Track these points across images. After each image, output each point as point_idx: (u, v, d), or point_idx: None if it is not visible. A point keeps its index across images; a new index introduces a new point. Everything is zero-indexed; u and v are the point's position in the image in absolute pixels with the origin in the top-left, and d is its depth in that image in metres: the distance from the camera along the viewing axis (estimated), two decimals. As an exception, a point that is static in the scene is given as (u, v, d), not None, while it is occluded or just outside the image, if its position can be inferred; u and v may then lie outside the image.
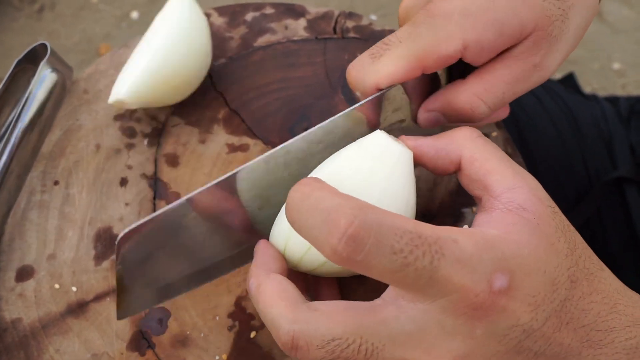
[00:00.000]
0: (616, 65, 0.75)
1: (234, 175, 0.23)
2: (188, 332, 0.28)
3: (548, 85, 0.54)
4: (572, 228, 0.22)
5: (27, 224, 0.31)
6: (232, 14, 0.37)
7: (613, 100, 0.57)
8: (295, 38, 0.36)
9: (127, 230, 0.22)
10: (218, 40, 0.36)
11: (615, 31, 0.77)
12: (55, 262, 0.29)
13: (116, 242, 0.22)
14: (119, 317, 0.25)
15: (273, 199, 0.25)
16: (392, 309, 0.20)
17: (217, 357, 0.27)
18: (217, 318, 0.28)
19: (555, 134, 0.51)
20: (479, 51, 0.24)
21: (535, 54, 0.25)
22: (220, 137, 0.33)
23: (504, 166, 0.22)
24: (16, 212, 0.31)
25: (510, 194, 0.21)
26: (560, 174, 0.51)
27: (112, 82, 0.35)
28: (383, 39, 0.25)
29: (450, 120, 0.27)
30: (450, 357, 0.20)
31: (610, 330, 0.21)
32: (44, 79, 0.32)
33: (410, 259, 0.18)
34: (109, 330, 0.28)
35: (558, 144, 0.51)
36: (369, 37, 0.36)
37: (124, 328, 0.28)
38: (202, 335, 0.28)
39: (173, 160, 0.32)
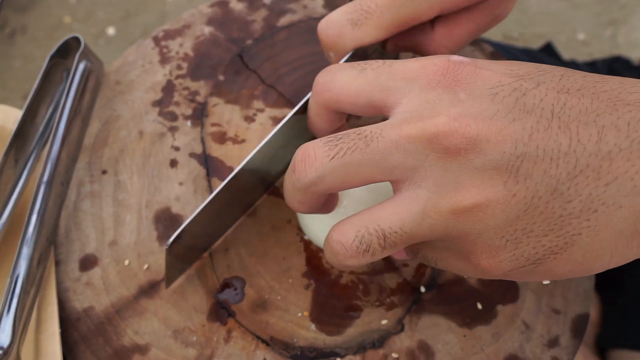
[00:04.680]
0: (581, 36, 0.80)
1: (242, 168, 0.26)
2: (266, 296, 0.28)
3: (536, 56, 0.58)
4: None
5: (82, 215, 0.30)
6: (251, -2, 0.38)
7: (591, 63, 0.60)
8: (315, 16, 0.38)
9: (174, 236, 0.25)
10: (241, 23, 0.37)
11: (575, 6, 0.83)
12: (118, 248, 0.29)
13: (167, 248, 0.25)
14: (168, 285, 0.28)
15: (281, 158, 0.29)
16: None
17: (299, 314, 0.27)
18: (292, 280, 0.28)
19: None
20: (451, 9, 0.26)
21: (498, 6, 0.26)
22: (263, 112, 0.33)
23: None
24: (68, 205, 0.30)
25: None
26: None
27: (143, 71, 0.35)
28: (361, 1, 0.25)
29: (415, 54, 0.30)
30: (445, 117, 0.19)
31: None
32: (81, 71, 0.32)
33: (366, 65, 0.22)
34: (185, 305, 0.28)
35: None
36: (384, 9, 0.38)
37: (201, 301, 0.28)
38: (279, 297, 0.28)
39: (220, 137, 0.32)
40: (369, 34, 0.25)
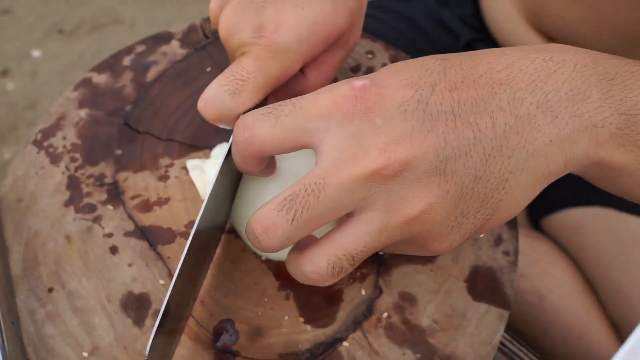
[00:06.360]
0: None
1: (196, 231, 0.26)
2: (256, 323, 0.30)
3: (377, 4, 0.63)
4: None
5: (50, 340, 0.30)
6: (110, 66, 0.38)
7: None
8: (177, 59, 0.39)
9: (152, 338, 0.24)
10: (113, 93, 0.37)
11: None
12: (101, 351, 0.29)
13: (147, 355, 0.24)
14: None
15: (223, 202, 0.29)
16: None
17: (290, 321, 0.30)
18: (269, 298, 0.30)
19: (405, 40, 0.59)
20: (313, 57, 0.29)
21: (349, 39, 0.31)
22: (172, 166, 0.34)
23: None
24: (30, 339, 0.30)
25: None
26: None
27: (39, 178, 0.34)
28: (232, 72, 0.27)
29: None
30: (375, 150, 0.21)
31: (511, 65, 0.22)
32: (-21, 207, 0.30)
33: (279, 112, 0.23)
34: (190, 368, 0.29)
35: (409, 46, 0.60)
36: (236, 27, 0.40)
37: (202, 357, 0.29)
38: (267, 317, 0.30)
39: (145, 206, 0.33)
40: (250, 99, 0.27)
